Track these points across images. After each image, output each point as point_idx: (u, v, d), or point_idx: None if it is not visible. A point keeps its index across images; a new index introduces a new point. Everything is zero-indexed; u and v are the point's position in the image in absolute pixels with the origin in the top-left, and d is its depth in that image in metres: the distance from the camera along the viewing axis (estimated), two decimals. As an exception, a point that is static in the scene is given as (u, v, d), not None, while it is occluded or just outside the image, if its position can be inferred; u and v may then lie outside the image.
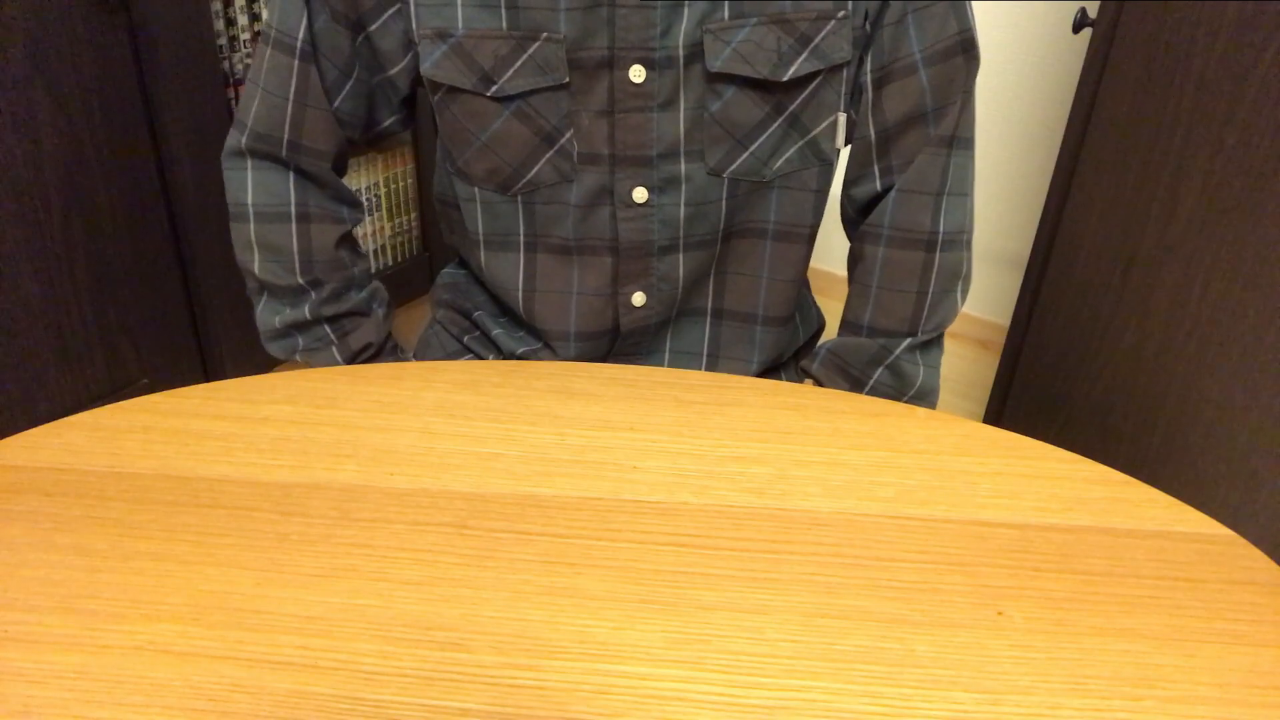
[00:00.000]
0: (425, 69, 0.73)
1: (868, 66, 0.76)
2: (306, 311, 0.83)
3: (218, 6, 1.55)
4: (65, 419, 0.65)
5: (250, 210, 0.80)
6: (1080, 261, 1.28)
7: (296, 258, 0.81)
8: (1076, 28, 1.21)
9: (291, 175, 0.80)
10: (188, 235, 1.55)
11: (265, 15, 0.76)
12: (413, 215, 2.12)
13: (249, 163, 0.80)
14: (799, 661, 0.49)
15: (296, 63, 0.75)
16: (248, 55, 1.63)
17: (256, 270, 0.82)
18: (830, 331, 2.13)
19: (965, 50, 0.75)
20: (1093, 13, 1.20)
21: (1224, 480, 1.24)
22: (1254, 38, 1.05)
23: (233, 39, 1.61)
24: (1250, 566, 0.56)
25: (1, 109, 1.27)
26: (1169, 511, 0.60)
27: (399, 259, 2.14)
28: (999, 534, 0.58)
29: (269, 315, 0.84)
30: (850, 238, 0.85)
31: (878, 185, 0.80)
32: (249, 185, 0.80)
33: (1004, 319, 2.02)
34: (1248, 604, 0.53)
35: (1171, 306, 1.21)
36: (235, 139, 0.80)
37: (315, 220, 0.81)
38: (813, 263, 0.94)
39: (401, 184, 2.05)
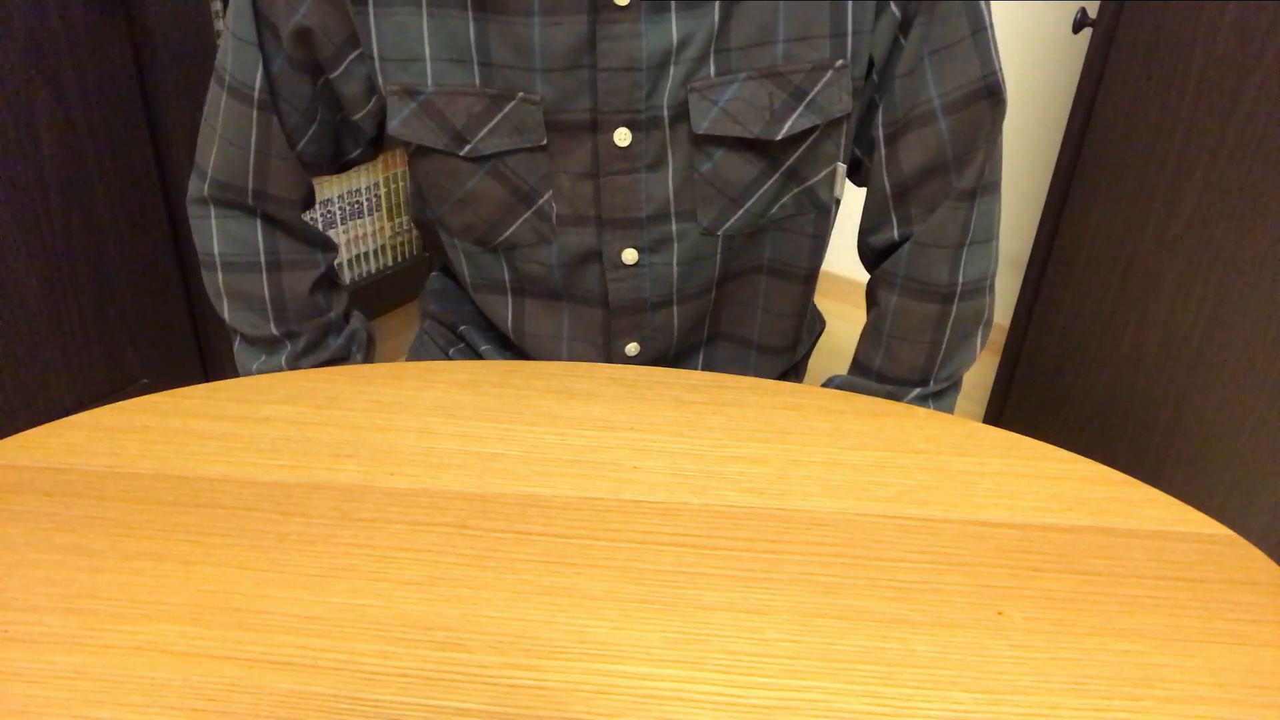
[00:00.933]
0: (393, 128, 0.69)
1: (879, 119, 0.71)
2: (284, 362, 0.79)
3: (218, 6, 1.55)
4: (65, 419, 0.65)
5: (218, 260, 0.76)
6: (1080, 261, 1.28)
7: (269, 307, 0.78)
8: (1076, 28, 1.21)
9: (259, 223, 0.76)
10: (188, 235, 1.55)
11: (218, 53, 0.72)
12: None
13: (212, 211, 0.76)
14: (799, 661, 0.49)
15: (255, 113, 0.71)
16: (248, 55, 1.63)
17: (228, 318, 0.79)
18: (831, 335, 2.13)
19: (990, 95, 0.69)
20: (1093, 13, 1.20)
21: (1224, 480, 1.24)
22: (1254, 38, 1.05)
23: (233, 39, 1.61)
24: (1250, 566, 0.56)
25: (1, 109, 1.27)
26: (1169, 511, 0.60)
27: (399, 259, 2.14)
28: (999, 534, 0.58)
29: (247, 359, 0.81)
30: (869, 272, 0.82)
31: (895, 234, 0.76)
32: (214, 234, 0.76)
33: (1004, 319, 2.02)
34: (1248, 604, 0.53)
35: (1171, 306, 1.21)
36: (197, 187, 0.76)
37: (286, 269, 0.78)
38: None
39: (401, 184, 2.05)
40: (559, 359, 0.79)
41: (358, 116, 0.73)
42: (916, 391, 0.79)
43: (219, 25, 1.57)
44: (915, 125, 0.70)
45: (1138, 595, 0.54)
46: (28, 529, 0.55)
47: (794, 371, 0.91)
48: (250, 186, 0.74)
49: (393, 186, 2.03)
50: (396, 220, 2.09)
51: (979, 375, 1.99)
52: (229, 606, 0.51)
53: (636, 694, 0.47)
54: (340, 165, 0.79)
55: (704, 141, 0.68)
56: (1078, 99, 1.23)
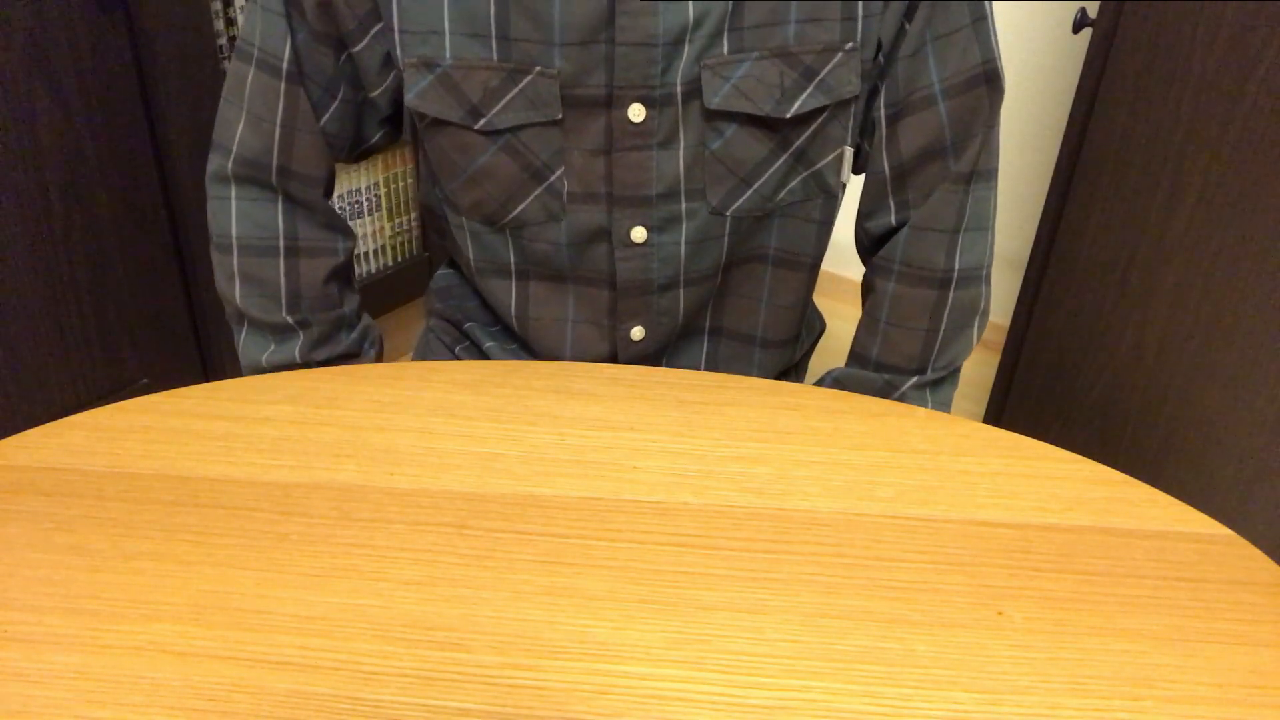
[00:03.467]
0: (410, 100, 0.70)
1: (880, 101, 0.72)
2: (296, 354, 0.79)
3: (218, 6, 1.55)
4: (65, 419, 0.65)
5: (235, 243, 0.76)
6: (1080, 261, 1.28)
7: (284, 293, 0.77)
8: (1076, 28, 1.21)
9: (280, 203, 0.76)
10: (188, 235, 1.55)
11: (241, 28, 0.72)
12: (412, 215, 2.12)
13: (233, 190, 0.75)
14: (799, 661, 0.49)
15: (284, 85, 0.71)
16: (248, 55, 1.63)
17: (238, 301, 0.78)
18: (831, 336, 2.13)
19: (989, 81, 0.71)
20: (1093, 13, 1.20)
21: (1224, 480, 1.24)
22: (1254, 38, 1.05)
23: (233, 39, 1.61)
24: (1250, 566, 0.56)
25: (1, 109, 1.27)
26: (1169, 511, 0.60)
27: (399, 259, 2.14)
28: (999, 534, 0.58)
29: (254, 351, 0.79)
30: (865, 264, 0.82)
31: (893, 219, 0.77)
32: (233, 215, 0.76)
33: (1004, 319, 2.02)
34: (1248, 604, 0.53)
35: (1171, 306, 1.21)
36: (219, 165, 0.75)
37: (305, 254, 0.78)
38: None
39: (401, 184, 2.04)
40: (563, 345, 0.79)
41: (376, 93, 0.73)
42: (914, 380, 0.79)
43: (219, 25, 1.57)
44: (915, 109, 0.72)
45: (1138, 595, 0.54)
46: (28, 529, 0.55)
47: (794, 370, 0.91)
48: (275, 163, 0.74)
49: (393, 186, 2.03)
50: (396, 220, 2.09)
51: (979, 375, 1.99)
52: (229, 606, 0.51)
53: (636, 694, 0.47)
54: (359, 152, 0.80)
55: (715, 118, 0.69)
56: (1078, 99, 1.23)
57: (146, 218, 1.51)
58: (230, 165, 0.75)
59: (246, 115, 0.73)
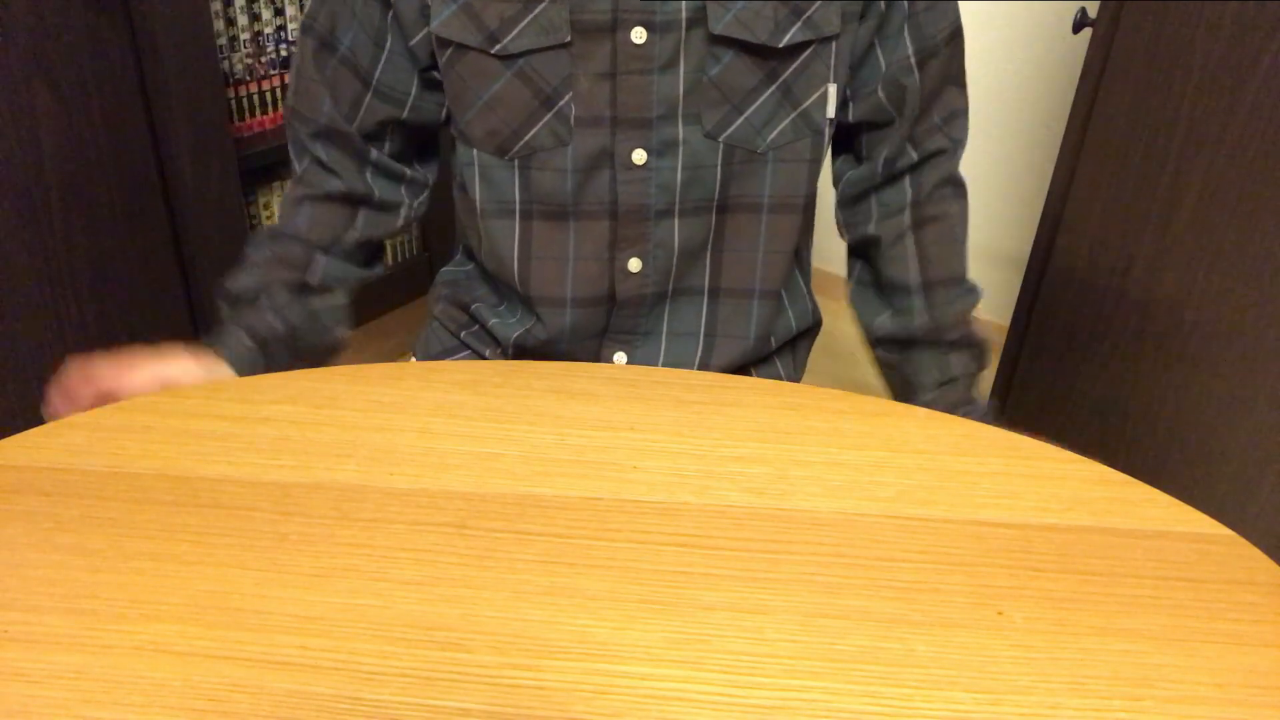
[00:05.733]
0: (434, 26, 0.75)
1: (910, 50, 0.79)
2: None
3: (218, 6, 1.55)
4: (65, 419, 0.65)
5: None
6: (1080, 261, 1.28)
7: (313, 235, 0.84)
8: (1076, 28, 1.21)
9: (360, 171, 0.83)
10: (188, 235, 1.55)
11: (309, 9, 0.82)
12: (413, 215, 2.12)
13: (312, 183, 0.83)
14: (799, 661, 0.49)
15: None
16: (248, 55, 1.63)
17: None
18: (831, 335, 2.13)
19: (959, 36, 0.82)
20: (1093, 13, 1.20)
21: (1224, 480, 1.24)
22: (1254, 37, 1.05)
23: (233, 39, 1.61)
24: (1250, 566, 0.56)
25: (1, 108, 1.27)
26: (1169, 511, 0.60)
27: (399, 259, 2.14)
28: (999, 534, 0.58)
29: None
30: (851, 231, 0.87)
31: (915, 155, 0.84)
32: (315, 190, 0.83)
33: (1004, 319, 2.02)
34: (1248, 604, 0.53)
35: (1171, 306, 1.21)
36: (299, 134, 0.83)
37: (364, 208, 0.85)
38: (814, 263, 0.94)
39: (401, 184, 2.05)
40: (564, 284, 0.82)
41: (414, 41, 0.79)
42: (969, 292, 0.87)
43: (219, 25, 1.57)
44: (932, 54, 0.81)
45: (1138, 595, 0.54)
46: (28, 529, 0.55)
47: (793, 363, 0.92)
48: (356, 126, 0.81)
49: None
50: (396, 220, 2.09)
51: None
52: (229, 606, 0.51)
53: (636, 694, 0.47)
54: (419, 126, 0.85)
55: (716, 43, 0.74)
56: (1078, 99, 1.23)
57: (146, 218, 1.50)
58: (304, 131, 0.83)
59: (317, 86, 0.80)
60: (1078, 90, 1.22)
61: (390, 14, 0.77)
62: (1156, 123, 1.15)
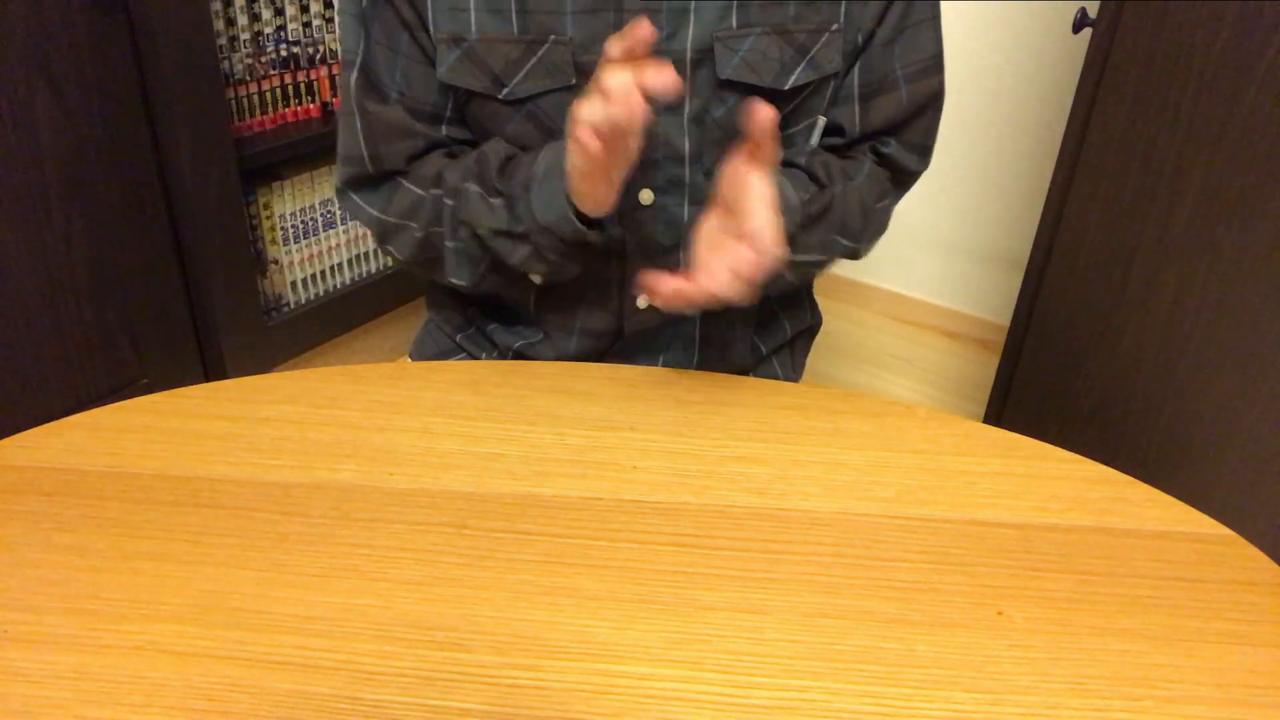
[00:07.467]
0: (441, 73, 0.73)
1: (855, 80, 0.78)
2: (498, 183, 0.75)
3: (218, 6, 1.55)
4: (65, 419, 0.65)
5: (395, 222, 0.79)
6: (1080, 261, 1.28)
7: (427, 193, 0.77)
8: (1076, 28, 1.21)
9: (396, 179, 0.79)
10: (188, 235, 1.55)
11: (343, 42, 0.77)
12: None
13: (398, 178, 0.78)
14: (799, 661, 0.49)
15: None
16: (248, 55, 1.63)
17: (449, 270, 0.78)
18: (831, 334, 2.13)
19: (939, 70, 0.80)
20: (1093, 13, 1.20)
21: (1224, 480, 1.24)
22: (1254, 38, 1.05)
23: (233, 39, 1.61)
24: (1250, 566, 0.56)
25: (1, 108, 1.27)
26: (1169, 511, 0.60)
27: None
28: (999, 534, 0.58)
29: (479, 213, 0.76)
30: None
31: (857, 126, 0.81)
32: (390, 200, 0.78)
33: (1004, 319, 2.02)
34: (1248, 604, 0.53)
35: (1171, 306, 1.21)
36: (356, 174, 0.78)
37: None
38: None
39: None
40: (574, 314, 0.81)
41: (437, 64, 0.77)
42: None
43: (219, 25, 1.57)
44: (887, 89, 0.79)
45: (1138, 595, 0.54)
46: (28, 529, 0.55)
47: (791, 362, 0.92)
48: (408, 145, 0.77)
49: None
50: (396, 220, 2.09)
51: (979, 375, 1.99)
52: (229, 606, 0.51)
53: (636, 694, 0.47)
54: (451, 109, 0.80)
55: (723, 88, 0.74)
56: (1078, 99, 1.22)
57: (146, 218, 1.50)
58: (370, 166, 0.78)
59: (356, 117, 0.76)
60: (1078, 90, 1.22)
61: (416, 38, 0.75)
62: (1156, 123, 1.15)
